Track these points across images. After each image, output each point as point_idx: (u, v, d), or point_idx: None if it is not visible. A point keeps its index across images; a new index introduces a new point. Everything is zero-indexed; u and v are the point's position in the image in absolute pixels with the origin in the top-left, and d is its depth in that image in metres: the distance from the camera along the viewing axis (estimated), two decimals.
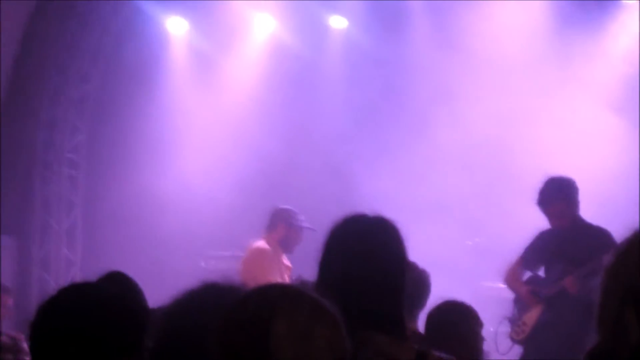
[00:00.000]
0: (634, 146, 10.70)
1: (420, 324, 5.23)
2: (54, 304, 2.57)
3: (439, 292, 7.22)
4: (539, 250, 7.98)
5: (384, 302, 3.12)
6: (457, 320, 4.84)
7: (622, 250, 2.59)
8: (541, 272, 8.08)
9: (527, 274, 8.18)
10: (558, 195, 7.65)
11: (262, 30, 12.96)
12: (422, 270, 5.41)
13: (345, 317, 3.00)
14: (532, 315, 7.87)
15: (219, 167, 12.73)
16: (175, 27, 12.93)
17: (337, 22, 12.93)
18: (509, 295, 8.46)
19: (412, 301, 5.10)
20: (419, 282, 5.33)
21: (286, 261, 9.08)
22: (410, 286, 5.03)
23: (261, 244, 9.02)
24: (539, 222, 7.96)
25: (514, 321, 8.06)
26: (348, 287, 3.07)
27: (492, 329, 8.62)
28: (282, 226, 8.99)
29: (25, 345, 5.75)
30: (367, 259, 3.13)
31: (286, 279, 8.79)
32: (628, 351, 2.44)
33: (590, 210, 8.05)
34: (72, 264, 12.81)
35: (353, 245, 3.17)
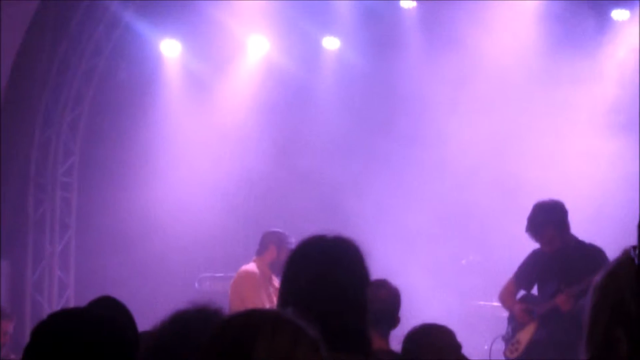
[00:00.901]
0: (630, 163, 10.71)
1: (395, 342, 5.20)
2: (44, 329, 2.57)
3: (432, 310, 7.22)
4: (533, 269, 7.99)
5: (347, 321, 3.12)
6: (435, 343, 4.81)
7: (611, 269, 2.60)
8: (535, 291, 8.09)
9: (522, 293, 8.18)
10: (547, 221, 7.67)
11: (255, 51, 12.99)
12: (393, 288, 5.40)
13: None
14: (526, 334, 7.87)
15: (212, 189, 12.74)
16: (169, 49, 12.95)
17: (330, 43, 12.99)
18: (503, 313, 8.46)
19: (383, 318, 5.11)
20: (390, 299, 5.31)
21: (277, 284, 9.08)
22: (380, 303, 5.12)
23: (249, 267, 9.08)
24: (533, 241, 7.97)
25: (508, 339, 8.05)
26: (309, 308, 3.08)
27: (486, 347, 8.62)
28: (272, 249, 9.04)
29: None
30: (327, 278, 3.13)
31: (275, 302, 8.79)
32: None
33: (585, 227, 8.06)
34: (65, 286, 12.78)
35: (312, 266, 3.18)
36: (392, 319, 5.26)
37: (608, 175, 10.90)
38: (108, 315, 2.60)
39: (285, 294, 3.20)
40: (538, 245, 7.89)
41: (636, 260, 2.55)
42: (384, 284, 5.31)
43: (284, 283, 3.22)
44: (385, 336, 5.21)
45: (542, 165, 11.29)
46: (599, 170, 11.03)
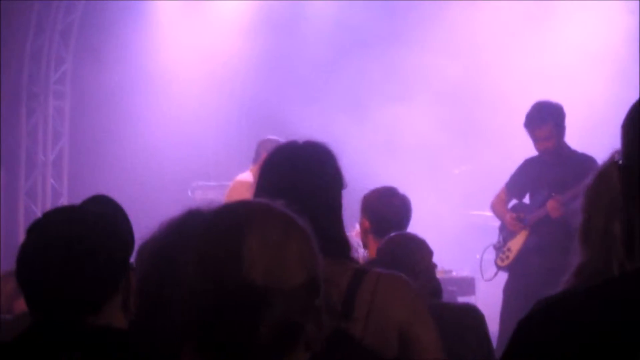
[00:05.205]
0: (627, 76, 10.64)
1: None
2: (39, 225, 2.59)
3: (424, 219, 7.25)
4: (525, 178, 8.01)
5: (321, 223, 3.13)
6: (406, 250, 4.84)
7: (602, 170, 2.62)
8: (527, 200, 8.13)
9: (514, 202, 8.22)
10: (545, 118, 7.64)
11: None
12: (403, 196, 5.47)
13: None
14: (517, 242, 7.92)
15: (208, 97, 12.71)
16: None
17: None
18: (495, 222, 8.52)
19: (397, 225, 5.17)
20: (402, 207, 5.40)
21: None
22: (392, 211, 5.21)
23: (244, 176, 9.10)
24: (525, 150, 7.98)
25: (499, 248, 8.11)
26: None
27: (478, 256, 8.69)
28: (265, 156, 8.99)
29: None
30: (294, 183, 3.14)
31: None
32: (617, 266, 2.47)
33: (579, 139, 8.07)
34: (59, 194, 12.82)
35: (280, 171, 3.22)
36: (405, 225, 5.36)
37: (606, 86, 10.87)
38: (103, 211, 2.62)
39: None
40: (533, 151, 7.87)
41: (616, 157, 2.57)
42: (396, 192, 5.41)
43: (256, 192, 3.24)
44: None
45: (539, 75, 11.26)
46: (597, 80, 10.99)
